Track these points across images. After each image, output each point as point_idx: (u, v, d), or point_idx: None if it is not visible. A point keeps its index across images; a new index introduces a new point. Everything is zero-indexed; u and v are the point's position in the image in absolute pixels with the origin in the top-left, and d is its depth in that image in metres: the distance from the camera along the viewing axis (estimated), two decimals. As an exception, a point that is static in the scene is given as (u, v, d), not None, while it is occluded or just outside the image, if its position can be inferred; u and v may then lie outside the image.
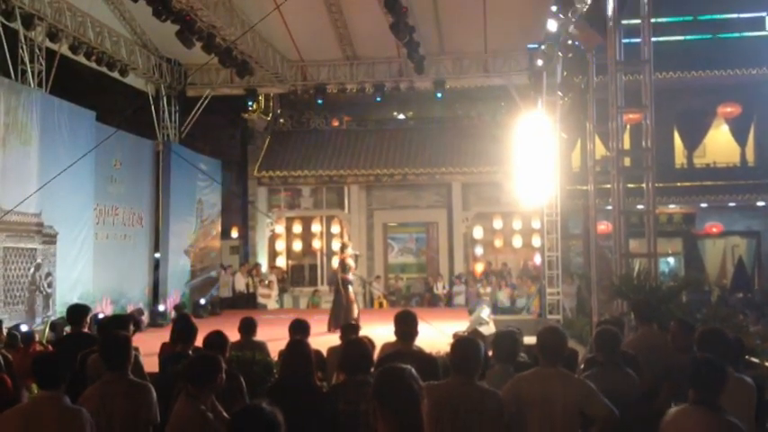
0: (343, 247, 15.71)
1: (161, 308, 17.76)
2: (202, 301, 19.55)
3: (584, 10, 12.45)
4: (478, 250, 23.80)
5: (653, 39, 11.01)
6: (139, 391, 4.87)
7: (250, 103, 22.66)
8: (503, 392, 4.58)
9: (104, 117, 16.18)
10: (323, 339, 8.13)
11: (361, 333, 7.36)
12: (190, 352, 6.11)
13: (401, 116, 26.24)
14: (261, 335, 8.10)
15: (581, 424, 4.63)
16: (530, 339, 5.12)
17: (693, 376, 4.16)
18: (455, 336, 7.94)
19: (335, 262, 23.28)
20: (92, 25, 15.66)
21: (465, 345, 4.63)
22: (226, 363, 5.41)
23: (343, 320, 14.07)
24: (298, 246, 24.33)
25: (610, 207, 11.66)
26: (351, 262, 15.32)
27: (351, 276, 15.25)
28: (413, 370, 3.17)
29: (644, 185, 11.01)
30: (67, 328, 8.38)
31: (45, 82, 14.55)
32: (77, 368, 5.72)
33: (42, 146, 13.62)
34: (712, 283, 21.64)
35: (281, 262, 24.13)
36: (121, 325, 6.25)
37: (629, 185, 11.60)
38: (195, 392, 4.35)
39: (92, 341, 6.67)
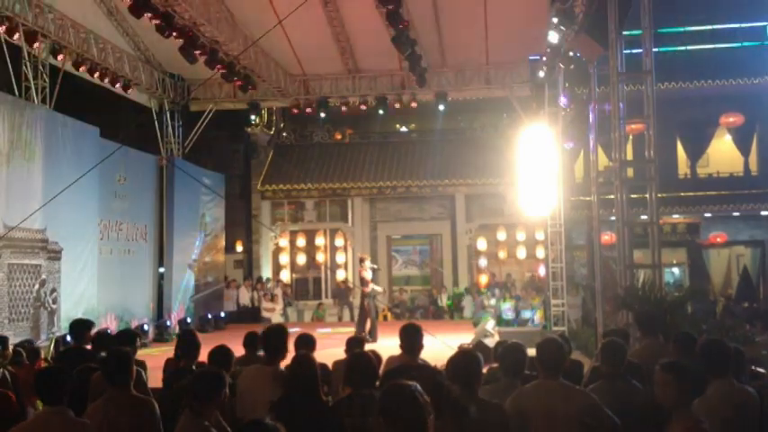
0: (362, 261, 15.89)
1: (167, 323, 17.78)
2: (209, 316, 19.58)
3: (586, 21, 12.49)
4: (482, 262, 23.77)
5: (654, 49, 11.04)
6: (143, 406, 4.86)
7: (253, 118, 22.72)
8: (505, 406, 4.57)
9: (108, 133, 16.23)
10: (328, 353, 8.11)
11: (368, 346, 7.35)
12: (193, 367, 6.09)
13: (404, 129, 26.31)
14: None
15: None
16: (534, 352, 5.09)
17: (703, 357, 4.89)
18: (460, 348, 7.92)
19: (341, 275, 23.53)
20: (95, 41, 15.73)
21: (464, 358, 4.62)
22: (230, 378, 5.41)
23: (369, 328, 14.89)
24: (302, 259, 24.33)
25: (613, 218, 11.65)
26: (367, 275, 15.43)
27: (368, 289, 15.38)
28: (418, 386, 3.16)
29: (647, 196, 11.01)
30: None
31: (49, 98, 14.61)
32: (79, 383, 5.69)
33: (46, 162, 13.66)
34: (717, 293, 21.60)
35: (285, 275, 24.14)
36: (125, 341, 6.21)
37: (633, 196, 11.59)
38: (199, 408, 4.34)
39: (93, 356, 6.66)
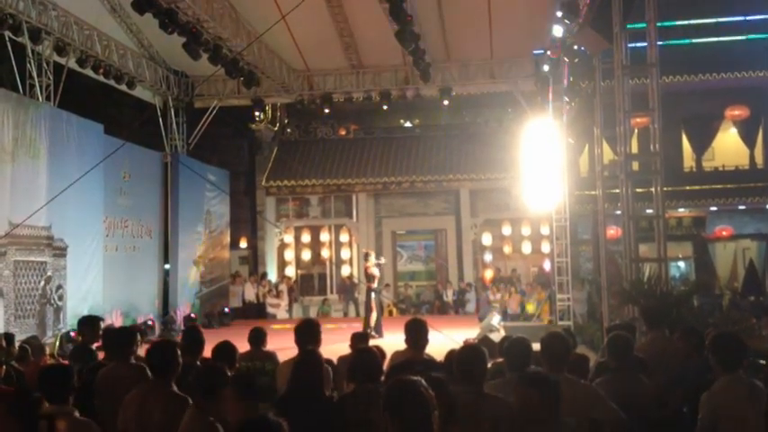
0: (366, 256, 15.86)
1: (173, 318, 17.83)
2: (214, 312, 19.61)
3: (590, 15, 12.44)
4: (487, 257, 23.74)
5: (659, 42, 10.99)
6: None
7: (257, 114, 22.70)
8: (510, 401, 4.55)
9: (112, 129, 16.26)
10: (333, 348, 8.09)
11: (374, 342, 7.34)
12: (198, 363, 6.07)
13: (408, 124, 26.26)
14: (271, 345, 8.08)
15: (590, 430, 4.60)
16: (539, 346, 5.08)
17: (716, 351, 4.78)
18: (465, 343, 7.90)
19: (346, 271, 23.52)
20: (99, 38, 15.75)
21: (470, 353, 4.60)
22: (235, 373, 5.39)
23: (369, 325, 14.83)
24: (306, 255, 24.33)
25: (619, 212, 11.62)
26: (375, 271, 15.41)
27: (375, 285, 15.38)
28: (423, 381, 3.15)
29: (653, 190, 10.97)
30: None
31: (53, 96, 14.64)
32: (85, 381, 5.68)
33: (51, 159, 13.69)
34: (723, 286, 21.47)
35: (291, 271, 24.13)
36: (124, 340, 6.11)
37: (638, 190, 11.56)
38: (203, 404, 4.33)
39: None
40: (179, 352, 5.02)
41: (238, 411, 4.31)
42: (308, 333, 6.08)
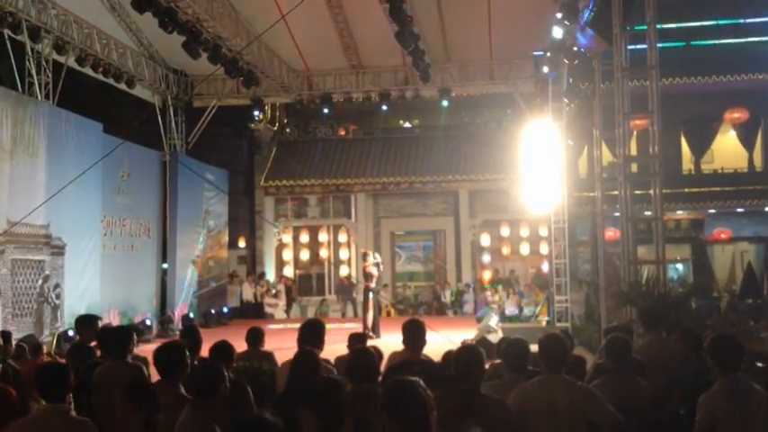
0: (365, 256, 15.84)
1: (171, 317, 17.81)
2: (212, 312, 19.59)
3: (590, 17, 12.44)
4: (486, 258, 23.74)
5: (658, 44, 10.99)
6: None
7: (256, 114, 22.70)
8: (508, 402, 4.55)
9: (111, 128, 16.25)
10: (331, 348, 8.08)
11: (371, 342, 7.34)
12: (195, 362, 6.06)
13: (407, 124, 26.27)
14: (269, 345, 8.08)
15: (588, 431, 4.60)
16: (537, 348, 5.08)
17: (715, 353, 4.79)
18: (463, 344, 7.90)
19: (344, 271, 23.53)
20: (98, 37, 15.74)
21: (467, 353, 4.59)
22: (232, 372, 5.38)
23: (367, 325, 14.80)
24: (305, 255, 24.33)
25: (617, 214, 11.62)
26: (373, 270, 15.40)
27: (373, 284, 15.36)
28: (421, 381, 3.15)
29: (651, 192, 10.98)
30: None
31: (52, 94, 14.64)
32: (82, 380, 5.67)
33: (50, 158, 13.68)
34: (721, 289, 21.47)
35: (289, 271, 24.12)
36: (121, 339, 6.09)
37: (637, 192, 11.56)
38: (200, 403, 4.32)
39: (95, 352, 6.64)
40: (187, 353, 5.02)
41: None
42: (311, 333, 6.10)
